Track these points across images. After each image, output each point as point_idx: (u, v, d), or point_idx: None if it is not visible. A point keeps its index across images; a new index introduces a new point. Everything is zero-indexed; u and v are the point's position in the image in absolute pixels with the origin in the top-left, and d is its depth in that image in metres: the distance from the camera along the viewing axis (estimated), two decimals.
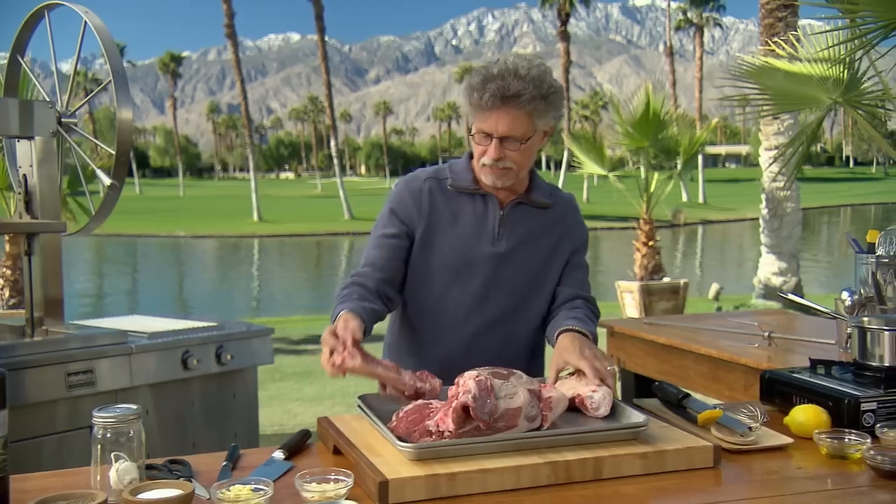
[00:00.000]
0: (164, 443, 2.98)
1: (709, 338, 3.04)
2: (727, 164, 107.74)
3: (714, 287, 12.33)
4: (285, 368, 7.66)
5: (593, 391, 1.75)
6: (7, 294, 9.34)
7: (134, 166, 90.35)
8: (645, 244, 10.93)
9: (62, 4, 3.23)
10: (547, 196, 2.18)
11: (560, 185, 45.09)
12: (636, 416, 1.66)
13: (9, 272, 9.33)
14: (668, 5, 60.45)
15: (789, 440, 1.71)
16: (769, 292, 10.87)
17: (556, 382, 1.88)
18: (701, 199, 49.92)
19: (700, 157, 50.63)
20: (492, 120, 1.97)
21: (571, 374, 1.89)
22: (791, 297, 2.38)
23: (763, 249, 11.14)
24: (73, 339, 2.86)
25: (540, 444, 1.58)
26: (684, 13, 63.59)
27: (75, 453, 2.71)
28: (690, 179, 53.92)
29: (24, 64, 3.41)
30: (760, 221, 11.07)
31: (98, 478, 1.48)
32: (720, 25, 66.56)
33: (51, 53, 3.27)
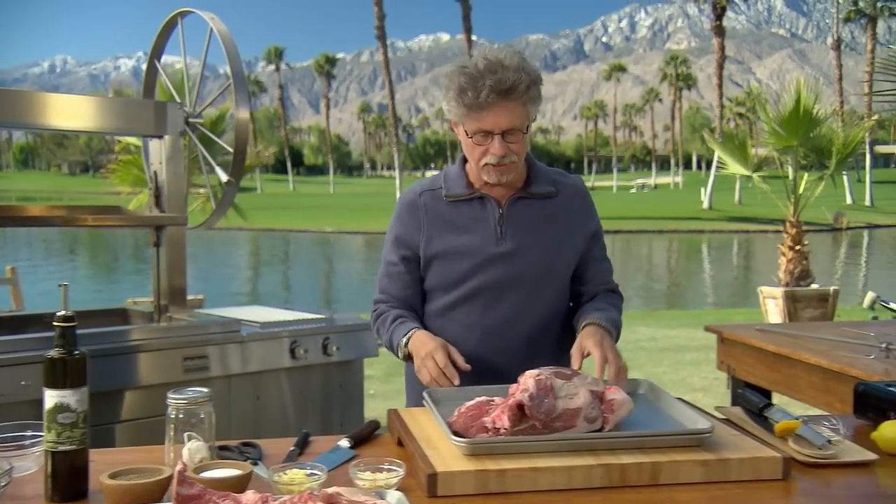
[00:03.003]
0: (270, 429, 3.12)
1: (824, 347, 2.86)
2: None
3: (870, 295, 11.47)
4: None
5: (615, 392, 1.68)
6: None
7: (289, 164, 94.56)
8: (791, 248, 10.34)
9: (193, 12, 3.45)
10: (549, 184, 2.13)
11: (710, 185, 43.34)
12: (702, 422, 1.60)
13: None
14: None
15: (873, 456, 1.59)
16: (884, 301, 10.01)
17: (578, 367, 1.88)
18: (868, 202, 46.74)
19: (868, 157, 47.42)
20: (491, 117, 1.93)
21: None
22: (893, 305, 2.21)
23: None
24: (190, 327, 3.05)
25: (597, 446, 1.55)
26: (855, 3, 59.61)
27: None
28: (857, 180, 50.61)
29: (160, 69, 3.67)
30: None
31: (171, 455, 1.59)
32: None
33: (182, 57, 3.50)
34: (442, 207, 2.11)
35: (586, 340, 1.92)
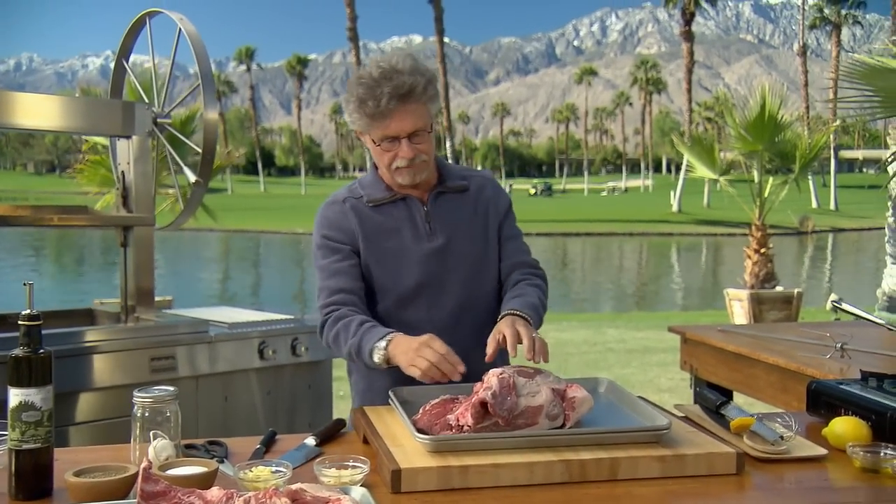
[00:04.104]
0: (239, 429, 3.12)
1: (782, 347, 2.93)
2: (864, 170, 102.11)
3: (832, 297, 11.73)
4: None
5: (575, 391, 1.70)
6: None
7: (259, 165, 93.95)
8: (756, 251, 10.52)
9: (161, 12, 3.44)
10: (460, 178, 2.19)
11: (679, 189, 43.70)
12: (660, 419, 1.65)
13: None
14: (803, 2, 57.85)
15: (823, 451, 1.65)
16: (894, 305, 10.23)
17: (492, 354, 1.88)
18: (832, 206, 47.54)
19: (833, 162, 48.20)
20: (395, 122, 1.97)
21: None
22: (845, 306, 2.27)
23: (888, 260, 10.51)
24: (158, 327, 3.04)
25: (558, 443, 1.59)
26: (820, 10, 60.58)
27: None
28: (822, 185, 51.41)
29: (128, 68, 3.65)
30: (886, 230, 10.45)
31: (137, 454, 1.60)
32: (860, 23, 63.06)
33: (151, 57, 3.49)
34: (368, 213, 2.11)
35: (500, 327, 1.93)
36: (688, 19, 45.78)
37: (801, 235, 34.61)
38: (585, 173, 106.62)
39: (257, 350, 3.20)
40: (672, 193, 47.43)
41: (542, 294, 2.15)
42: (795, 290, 10.05)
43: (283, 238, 35.80)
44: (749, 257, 10.61)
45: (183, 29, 3.29)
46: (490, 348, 1.89)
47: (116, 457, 1.63)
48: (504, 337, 1.88)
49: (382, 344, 1.92)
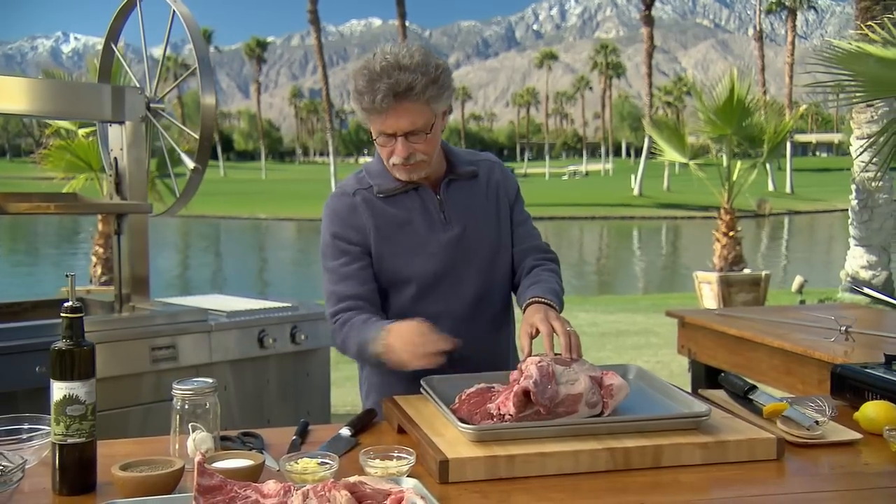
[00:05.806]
0: (241, 417, 3.10)
1: (783, 331, 2.98)
2: (818, 153, 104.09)
3: (798, 280, 11.96)
4: None
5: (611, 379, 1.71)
6: (99, 271, 9.79)
7: (219, 149, 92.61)
8: (725, 234, 10.68)
9: None
10: (469, 164, 2.14)
11: (640, 172, 44.11)
12: (698, 406, 1.66)
13: (101, 250, 9.78)
14: None
15: (858, 436, 1.68)
16: (857, 286, 10.47)
17: (529, 351, 1.83)
18: (788, 189, 48.41)
19: (788, 146, 49.01)
20: (391, 120, 1.91)
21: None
22: (866, 290, 2.32)
23: (852, 242, 10.74)
24: (157, 316, 3.00)
25: (599, 430, 1.59)
26: None
27: (159, 423, 2.84)
28: (778, 168, 52.30)
29: (117, 51, 3.56)
30: (850, 213, 10.67)
31: (177, 446, 1.57)
32: (814, 8, 64.06)
33: (142, 41, 3.41)
34: (380, 205, 2.05)
35: (531, 319, 1.89)
36: (648, 3, 45.98)
37: (758, 218, 35.20)
38: (546, 157, 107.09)
39: (257, 338, 3.17)
40: (633, 177, 47.88)
41: (559, 279, 2.13)
42: (763, 273, 10.23)
43: (246, 223, 35.43)
44: (718, 240, 10.77)
45: (177, 11, 3.22)
46: (525, 346, 1.85)
47: (152, 450, 1.61)
48: (537, 331, 1.86)
49: (382, 334, 1.89)
